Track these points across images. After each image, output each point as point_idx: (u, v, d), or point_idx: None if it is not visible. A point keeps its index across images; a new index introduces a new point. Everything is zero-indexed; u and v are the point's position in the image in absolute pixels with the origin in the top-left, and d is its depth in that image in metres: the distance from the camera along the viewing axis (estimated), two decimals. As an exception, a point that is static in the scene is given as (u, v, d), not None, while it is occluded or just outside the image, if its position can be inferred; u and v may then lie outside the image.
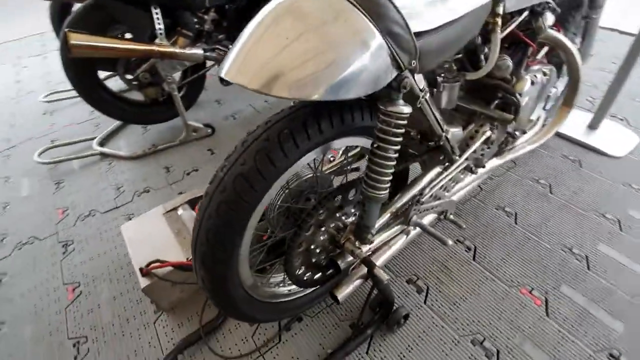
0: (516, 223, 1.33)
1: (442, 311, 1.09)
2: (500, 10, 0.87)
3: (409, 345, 1.02)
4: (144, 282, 1.07)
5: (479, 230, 1.32)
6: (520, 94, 1.08)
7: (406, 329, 1.06)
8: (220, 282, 0.75)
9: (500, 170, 1.56)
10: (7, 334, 1.15)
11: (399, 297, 1.14)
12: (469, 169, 1.09)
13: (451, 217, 1.10)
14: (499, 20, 0.88)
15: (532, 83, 1.10)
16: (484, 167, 1.15)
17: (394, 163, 0.75)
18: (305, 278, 0.90)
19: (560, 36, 1.07)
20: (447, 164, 1.01)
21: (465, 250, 1.25)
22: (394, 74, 0.63)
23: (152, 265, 1.09)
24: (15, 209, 1.64)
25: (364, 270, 0.88)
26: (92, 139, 1.98)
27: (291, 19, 0.56)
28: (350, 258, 0.89)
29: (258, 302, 0.90)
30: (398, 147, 0.73)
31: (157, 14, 1.53)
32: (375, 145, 0.73)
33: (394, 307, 1.04)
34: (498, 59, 0.98)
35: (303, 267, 0.88)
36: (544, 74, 1.14)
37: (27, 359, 1.08)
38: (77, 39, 1.37)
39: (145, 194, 1.66)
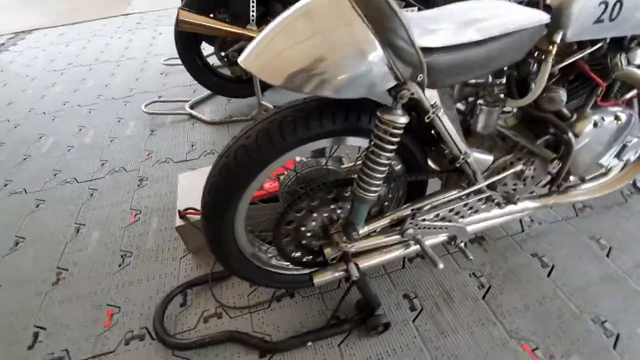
0: (549, 276, 1.19)
1: (427, 336, 1.06)
2: (558, 38, 0.80)
3: (380, 354, 1.03)
4: (178, 222, 1.29)
5: (501, 271, 1.22)
6: (576, 135, 0.97)
7: (384, 338, 1.06)
8: (216, 232, 0.88)
9: (553, 216, 1.39)
10: (83, 233, 1.50)
11: (389, 307, 1.14)
12: (493, 201, 1.02)
13: (461, 244, 1.05)
14: (553, 49, 0.81)
15: (596, 125, 0.97)
16: (515, 204, 1.06)
17: (385, 169, 0.78)
18: (293, 256, 0.98)
19: (643, 77, 0.92)
20: (465, 189, 0.97)
21: (478, 287, 1.18)
22: (392, 83, 0.67)
23: (188, 210, 1.30)
24: (119, 143, 2.07)
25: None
26: (187, 101, 2.35)
27: (303, 23, 0.64)
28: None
29: (252, 265, 1.02)
30: (391, 155, 0.76)
31: (253, 2, 1.74)
32: (370, 149, 0.76)
33: (377, 313, 1.05)
34: (551, 90, 0.90)
35: (292, 245, 0.96)
36: (617, 118, 0.99)
37: (88, 255, 1.40)
38: (186, 16, 1.65)
39: (210, 155, 1.92)
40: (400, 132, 0.73)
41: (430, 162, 1.11)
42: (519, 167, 0.96)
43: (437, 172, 1.00)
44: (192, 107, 2.31)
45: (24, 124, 2.35)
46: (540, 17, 0.77)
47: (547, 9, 0.81)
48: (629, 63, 0.92)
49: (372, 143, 0.75)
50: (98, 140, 2.11)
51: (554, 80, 0.93)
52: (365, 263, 0.96)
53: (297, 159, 1.36)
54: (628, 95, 1.03)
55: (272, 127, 0.76)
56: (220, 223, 0.86)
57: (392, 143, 0.74)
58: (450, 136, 0.84)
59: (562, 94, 0.90)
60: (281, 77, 0.64)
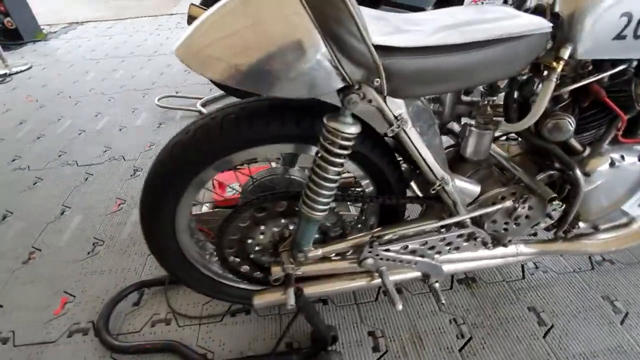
0: (545, 337, 1.00)
1: (385, 384, 0.92)
2: (565, 54, 0.66)
3: (326, 396, 0.90)
4: (148, 217, 1.24)
5: (487, 322, 1.05)
6: (586, 173, 0.81)
7: (336, 378, 0.93)
8: (153, 233, 0.81)
9: (563, 265, 1.19)
10: (67, 216, 1.50)
11: (349, 343, 1.01)
12: (476, 240, 0.87)
13: (436, 285, 0.90)
14: (558, 66, 0.67)
15: (613, 164, 0.81)
16: (505, 246, 0.91)
17: (334, 185, 0.67)
18: (239, 269, 0.89)
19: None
20: (445, 221, 0.83)
21: (457, 336, 1.02)
22: (338, 85, 0.57)
23: (160, 206, 1.25)
24: (127, 132, 2.10)
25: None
26: (200, 98, 2.36)
27: (240, 10, 0.56)
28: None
29: (198, 271, 0.93)
30: (340, 169, 0.65)
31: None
32: (315, 162, 0.66)
33: (331, 348, 0.93)
34: (556, 116, 0.75)
35: (238, 258, 0.87)
36: (642, 159, 0.82)
37: (64, 238, 1.39)
38: (195, 12, 1.64)
39: (209, 153, 1.89)
40: (351, 143, 0.63)
41: (415, 187, 0.99)
42: (508, 204, 0.81)
43: (415, 199, 0.88)
44: (203, 105, 2.31)
45: (49, 106, 2.47)
46: (540, 24, 0.64)
47: (554, 18, 0.67)
48: (660, 94, 0.75)
49: (319, 155, 0.65)
50: (108, 128, 2.16)
51: (562, 105, 0.78)
52: (313, 290, 0.85)
53: (273, 164, 1.27)
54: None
55: (212, 123, 0.68)
56: (157, 223, 0.79)
57: (340, 156, 0.63)
58: (422, 156, 0.72)
59: (569, 122, 0.75)
60: (211, 69, 0.56)
